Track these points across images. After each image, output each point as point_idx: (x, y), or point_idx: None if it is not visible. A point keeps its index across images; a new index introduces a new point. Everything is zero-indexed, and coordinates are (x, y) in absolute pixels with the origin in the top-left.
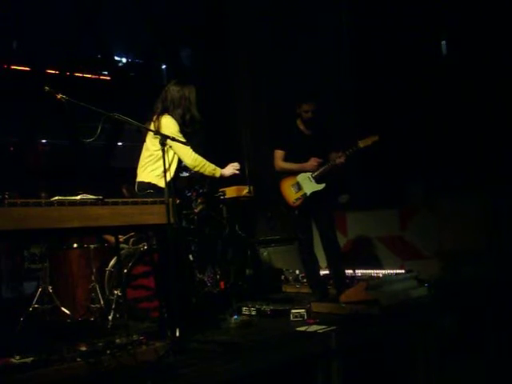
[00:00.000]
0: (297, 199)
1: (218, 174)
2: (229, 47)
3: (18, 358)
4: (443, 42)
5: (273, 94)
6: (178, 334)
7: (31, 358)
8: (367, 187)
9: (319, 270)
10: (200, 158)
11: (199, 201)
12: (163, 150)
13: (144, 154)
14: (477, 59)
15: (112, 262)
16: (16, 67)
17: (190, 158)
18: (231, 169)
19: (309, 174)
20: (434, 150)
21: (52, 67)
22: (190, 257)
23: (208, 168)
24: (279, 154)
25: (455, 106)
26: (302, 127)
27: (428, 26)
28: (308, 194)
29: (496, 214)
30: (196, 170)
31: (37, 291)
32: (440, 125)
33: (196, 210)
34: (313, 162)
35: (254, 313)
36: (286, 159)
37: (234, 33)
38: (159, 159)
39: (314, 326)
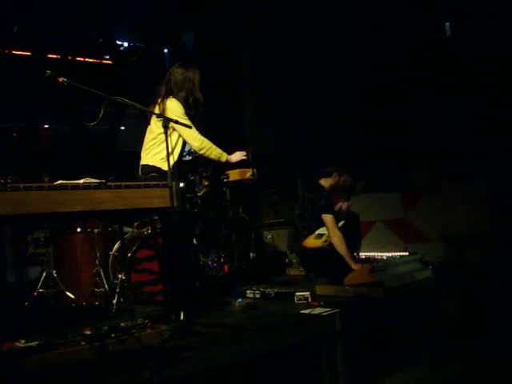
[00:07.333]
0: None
1: (224, 159)
2: (231, 29)
3: (23, 342)
4: (447, 24)
5: (276, 75)
6: (182, 317)
7: (36, 342)
8: (371, 169)
9: None
10: (206, 141)
11: (202, 184)
12: (166, 133)
13: (148, 136)
14: (482, 40)
15: (116, 246)
16: (17, 52)
17: (196, 139)
18: (239, 155)
19: None
20: (438, 134)
21: (53, 52)
22: (194, 240)
23: (214, 151)
24: (334, 220)
25: (460, 89)
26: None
27: (432, 8)
28: None
29: (500, 197)
30: (202, 152)
31: (41, 276)
32: (445, 108)
33: (199, 194)
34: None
35: (258, 296)
36: None
37: (235, 15)
38: (163, 142)
39: (318, 309)
